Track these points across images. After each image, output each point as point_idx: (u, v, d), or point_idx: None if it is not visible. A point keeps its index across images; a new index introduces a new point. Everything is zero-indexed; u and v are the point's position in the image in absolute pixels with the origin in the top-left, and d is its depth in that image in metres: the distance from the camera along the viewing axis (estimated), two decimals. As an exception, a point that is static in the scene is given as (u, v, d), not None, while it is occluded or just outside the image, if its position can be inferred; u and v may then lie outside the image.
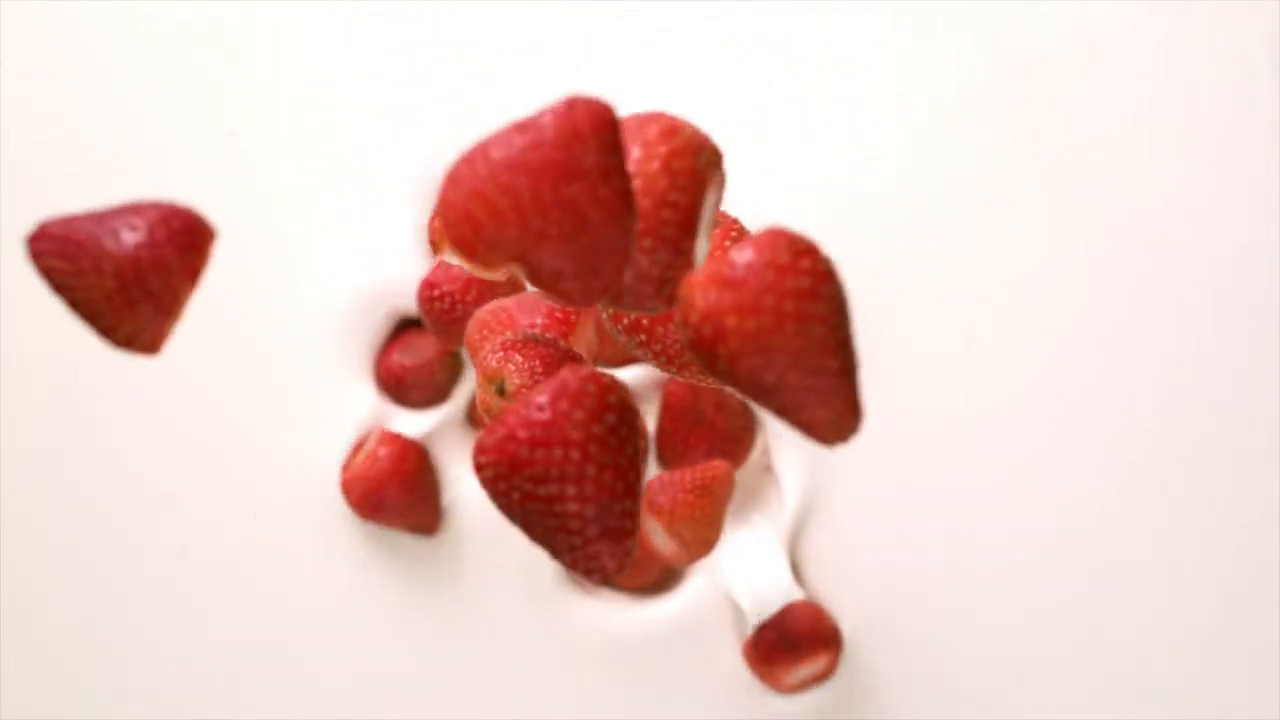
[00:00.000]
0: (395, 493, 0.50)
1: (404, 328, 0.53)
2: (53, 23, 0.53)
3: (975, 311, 0.52)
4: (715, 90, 0.53)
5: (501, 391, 0.32)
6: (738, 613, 0.50)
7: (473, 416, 0.53)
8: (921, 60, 0.52)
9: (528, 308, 0.37)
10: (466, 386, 0.53)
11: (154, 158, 0.53)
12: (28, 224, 0.25)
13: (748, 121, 0.52)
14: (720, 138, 0.48)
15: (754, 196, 0.49)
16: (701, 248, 0.27)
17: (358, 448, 0.51)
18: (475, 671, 0.52)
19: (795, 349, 0.23)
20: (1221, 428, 0.51)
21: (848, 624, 0.51)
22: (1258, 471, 0.51)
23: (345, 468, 0.51)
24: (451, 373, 0.53)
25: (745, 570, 0.50)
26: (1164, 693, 0.50)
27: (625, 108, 0.48)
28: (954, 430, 0.52)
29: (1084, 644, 0.51)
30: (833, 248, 0.48)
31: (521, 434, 0.25)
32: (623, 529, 0.26)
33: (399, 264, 0.52)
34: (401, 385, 0.52)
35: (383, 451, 0.50)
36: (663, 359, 0.30)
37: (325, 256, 0.52)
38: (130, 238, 0.25)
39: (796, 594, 0.50)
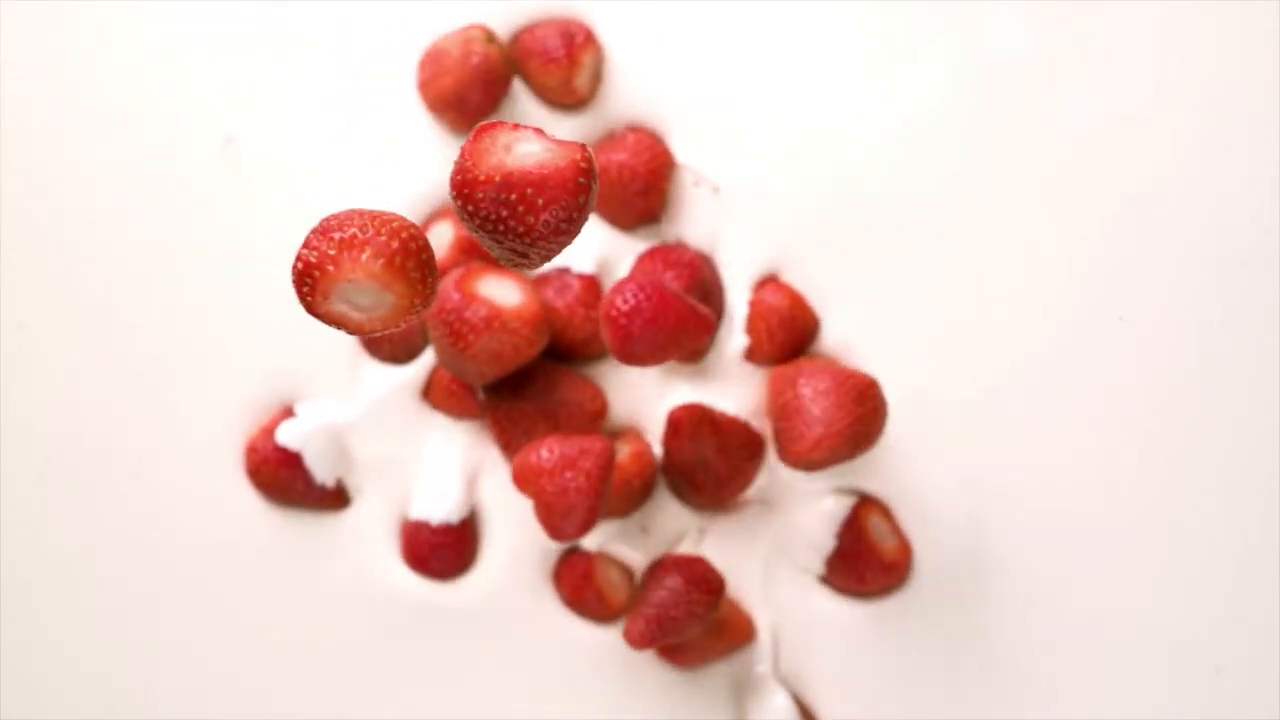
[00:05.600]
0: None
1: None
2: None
3: (966, 318, 0.51)
4: (706, 90, 0.52)
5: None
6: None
7: (429, 394, 0.51)
8: (910, 66, 0.52)
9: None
10: (428, 357, 0.51)
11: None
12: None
13: (735, 123, 0.52)
14: (707, 141, 0.52)
15: (744, 200, 0.51)
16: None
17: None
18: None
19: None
20: (1219, 434, 0.51)
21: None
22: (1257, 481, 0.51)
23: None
24: (423, 338, 0.51)
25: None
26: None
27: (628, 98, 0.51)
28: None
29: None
30: (819, 254, 0.52)
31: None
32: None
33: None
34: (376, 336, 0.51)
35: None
36: None
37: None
38: None
39: None
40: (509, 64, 0.51)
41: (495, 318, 0.46)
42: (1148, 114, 0.52)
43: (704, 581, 0.46)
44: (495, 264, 0.47)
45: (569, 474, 0.43)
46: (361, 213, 0.34)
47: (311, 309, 0.34)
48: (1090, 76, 0.51)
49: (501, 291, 0.46)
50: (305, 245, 0.34)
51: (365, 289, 0.33)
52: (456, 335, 0.45)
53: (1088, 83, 0.51)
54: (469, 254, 0.49)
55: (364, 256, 0.33)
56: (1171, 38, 0.52)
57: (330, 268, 0.33)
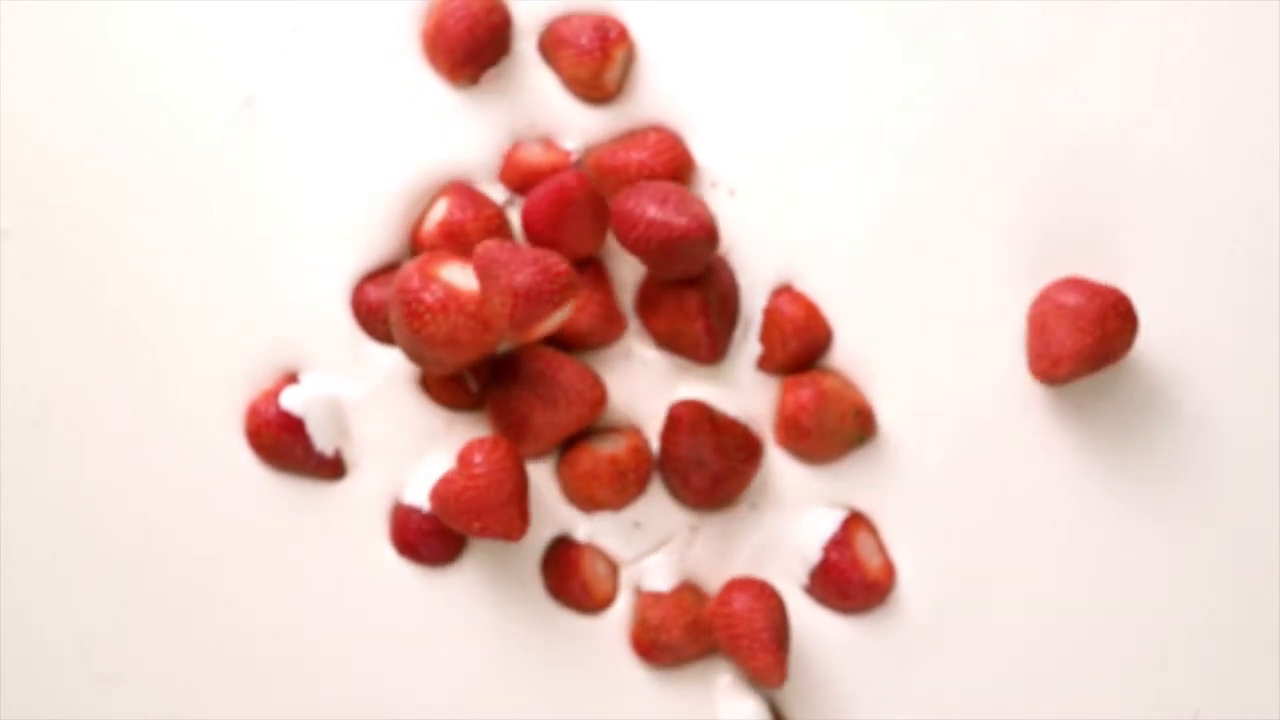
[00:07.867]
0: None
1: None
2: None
3: (965, 322, 0.51)
4: (729, 92, 0.52)
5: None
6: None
7: (425, 384, 0.51)
8: (914, 63, 0.52)
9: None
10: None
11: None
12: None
13: (735, 122, 0.52)
14: (706, 137, 0.52)
15: (760, 204, 0.52)
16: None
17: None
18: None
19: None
20: (1192, 484, 0.51)
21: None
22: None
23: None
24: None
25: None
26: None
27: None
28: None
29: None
30: (823, 256, 0.52)
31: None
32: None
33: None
34: (372, 318, 0.51)
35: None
36: None
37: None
38: None
39: None
40: (498, 9, 0.51)
41: (453, 300, 0.45)
42: (1145, 112, 0.52)
43: (775, 598, 0.47)
44: (463, 253, 0.48)
45: (474, 512, 0.45)
46: (551, 254, 0.44)
47: (523, 330, 0.43)
48: (1087, 74, 0.52)
49: (462, 276, 0.46)
50: (530, 278, 0.42)
51: (556, 319, 0.44)
52: (413, 316, 0.45)
53: (1098, 79, 0.52)
54: (449, 240, 0.50)
55: (572, 296, 0.44)
56: (1173, 31, 0.52)
57: (554, 304, 0.43)
